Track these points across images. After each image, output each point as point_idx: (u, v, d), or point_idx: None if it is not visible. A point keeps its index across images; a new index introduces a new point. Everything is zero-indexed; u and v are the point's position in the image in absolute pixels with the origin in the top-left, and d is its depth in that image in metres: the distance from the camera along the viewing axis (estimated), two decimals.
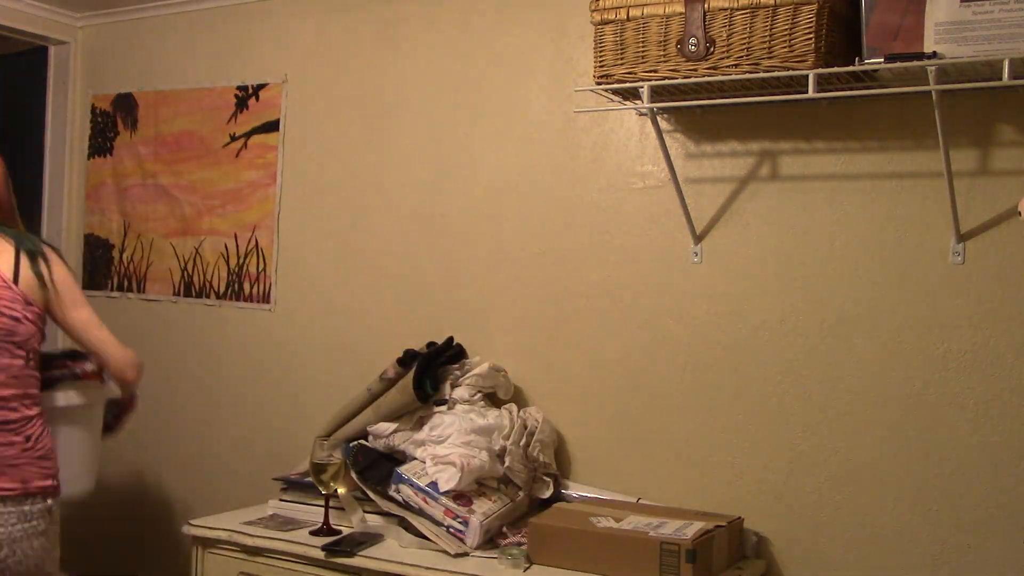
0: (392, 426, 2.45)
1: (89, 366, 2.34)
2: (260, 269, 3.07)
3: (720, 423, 2.33)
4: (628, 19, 2.12)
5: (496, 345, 2.62)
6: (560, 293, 2.55)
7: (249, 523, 2.34)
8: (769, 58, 1.98)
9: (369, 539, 2.22)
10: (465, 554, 2.16)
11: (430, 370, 2.50)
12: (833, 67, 1.95)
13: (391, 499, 2.28)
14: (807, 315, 2.24)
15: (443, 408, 2.46)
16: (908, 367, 2.14)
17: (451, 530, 2.20)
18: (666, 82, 2.09)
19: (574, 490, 2.46)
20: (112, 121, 3.39)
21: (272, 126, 3.05)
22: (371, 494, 2.30)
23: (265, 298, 3.06)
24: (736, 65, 2.01)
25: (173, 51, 3.26)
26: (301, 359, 2.98)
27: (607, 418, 2.47)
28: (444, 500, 2.22)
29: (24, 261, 2.24)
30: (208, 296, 3.17)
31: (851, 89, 2.05)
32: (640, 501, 2.38)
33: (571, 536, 2.07)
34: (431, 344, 2.58)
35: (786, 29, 1.96)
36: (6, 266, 2.22)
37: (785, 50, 1.96)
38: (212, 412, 3.15)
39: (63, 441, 2.27)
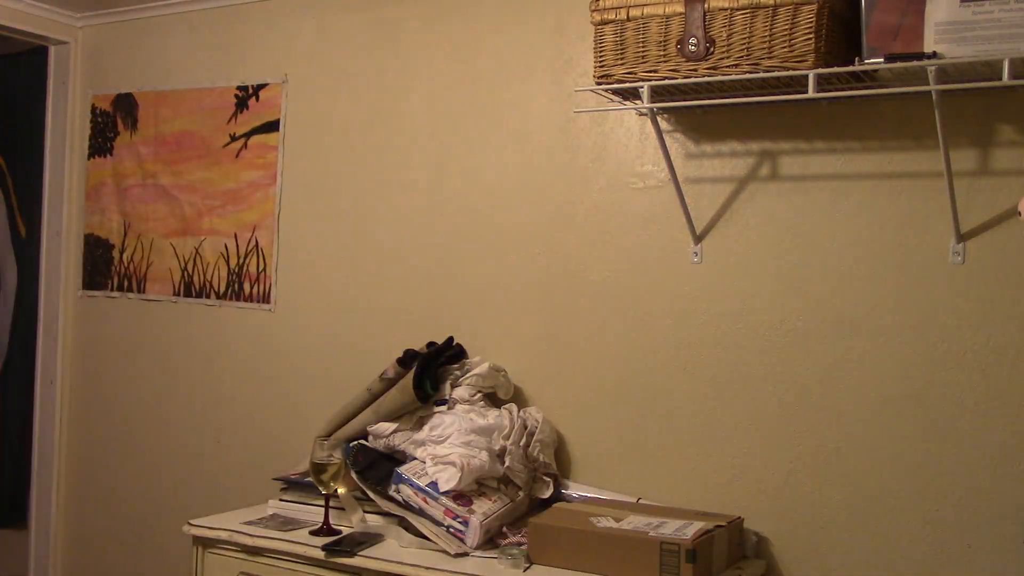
0: (392, 426, 2.45)
1: None
2: (260, 269, 3.07)
3: (720, 423, 2.33)
4: (628, 19, 2.12)
5: (496, 345, 2.62)
6: (560, 293, 2.55)
7: (249, 523, 2.34)
8: (769, 58, 1.98)
9: (369, 539, 2.22)
10: (465, 554, 2.16)
11: (430, 370, 2.50)
12: (833, 67, 1.95)
13: (391, 499, 2.28)
14: (807, 315, 2.24)
15: (443, 408, 2.46)
16: (908, 367, 2.14)
17: (451, 530, 2.20)
18: (666, 82, 2.09)
19: (574, 490, 2.46)
20: (112, 121, 3.39)
21: (272, 126, 3.05)
22: (371, 494, 2.30)
23: (265, 298, 3.06)
24: (736, 65, 2.01)
25: (173, 51, 3.26)
26: (301, 359, 2.98)
27: (607, 418, 2.47)
28: (444, 500, 2.22)
29: None
30: (208, 296, 3.17)
31: (851, 89, 2.05)
32: (640, 501, 2.38)
33: (571, 536, 2.07)
34: (431, 344, 2.58)
35: (786, 29, 1.96)
36: None
37: (785, 50, 1.96)
38: (212, 412, 3.15)
39: None
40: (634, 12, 2.11)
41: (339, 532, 2.27)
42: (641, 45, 2.11)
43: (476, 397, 2.49)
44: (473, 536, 2.18)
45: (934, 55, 1.86)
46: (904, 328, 2.14)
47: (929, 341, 2.12)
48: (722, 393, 2.33)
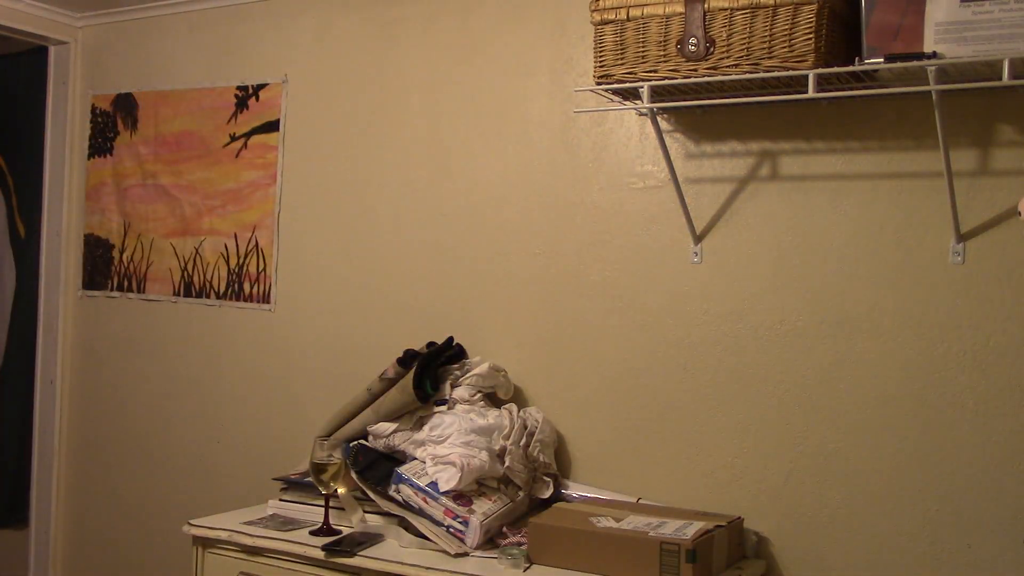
0: (392, 426, 2.45)
1: None
2: (260, 269, 3.07)
3: (720, 423, 2.33)
4: (628, 19, 2.12)
5: (496, 345, 2.62)
6: (560, 293, 2.55)
7: (249, 523, 2.34)
8: (769, 58, 1.98)
9: (369, 539, 2.22)
10: (465, 554, 2.16)
11: (430, 370, 2.50)
12: (833, 67, 1.95)
13: (391, 499, 2.28)
14: (807, 315, 2.24)
15: (443, 408, 2.46)
16: (908, 367, 2.14)
17: (451, 530, 2.20)
18: (666, 82, 2.09)
19: (574, 490, 2.46)
20: (112, 121, 3.39)
21: (272, 126, 3.05)
22: (371, 494, 2.30)
23: (265, 298, 3.06)
24: (736, 65, 2.01)
25: (173, 51, 3.26)
26: (301, 359, 2.98)
27: (607, 418, 2.47)
28: (444, 500, 2.22)
29: None
30: (208, 296, 3.17)
31: (851, 89, 2.05)
32: (640, 501, 2.38)
33: (571, 536, 2.07)
34: (431, 344, 2.58)
35: (786, 29, 1.96)
36: None
37: (785, 50, 1.96)
38: (212, 412, 3.15)
39: None
40: (634, 12, 2.11)
41: (339, 532, 2.27)
42: (641, 45, 2.11)
43: (476, 397, 2.49)
44: (473, 536, 2.18)
45: (934, 55, 1.86)
46: (904, 328, 2.14)
47: (929, 341, 2.12)
48: (722, 393, 2.33)
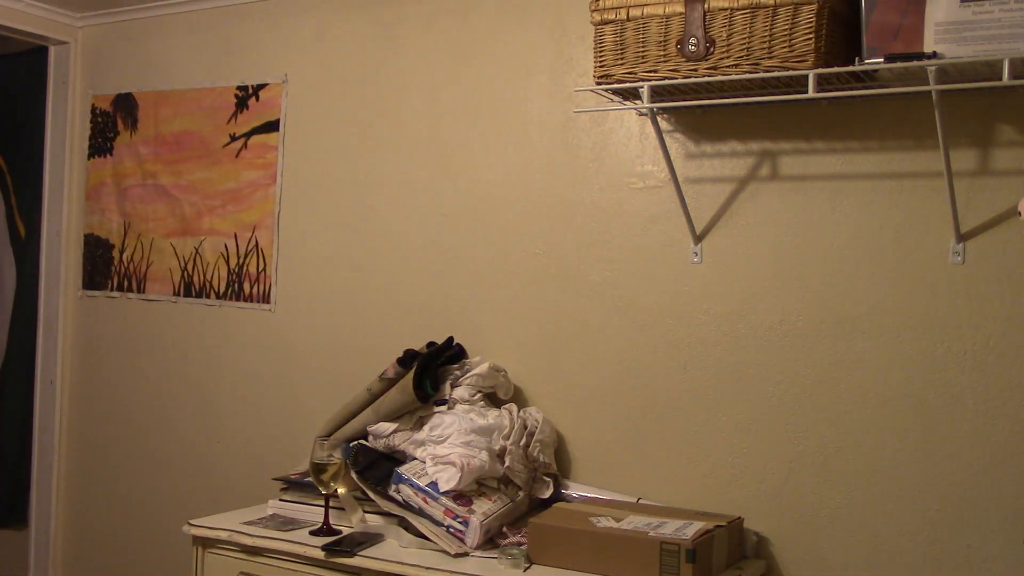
0: (392, 426, 2.45)
1: None
2: (260, 269, 3.07)
3: (720, 423, 2.33)
4: (628, 19, 2.12)
5: (496, 345, 2.62)
6: (560, 293, 2.55)
7: (249, 523, 2.34)
8: (769, 58, 1.98)
9: (369, 539, 2.22)
10: (465, 554, 2.16)
11: (430, 370, 2.50)
12: (833, 67, 1.95)
13: (391, 499, 2.28)
14: (807, 315, 2.24)
15: (443, 408, 2.46)
16: (908, 367, 2.14)
17: (451, 530, 2.20)
18: (666, 82, 2.09)
19: (574, 490, 2.46)
20: (112, 121, 3.39)
21: (272, 126, 3.05)
22: (371, 494, 2.30)
23: (265, 298, 3.06)
24: (736, 65, 2.01)
25: (173, 51, 3.26)
26: (301, 359, 2.98)
27: (607, 418, 2.47)
28: (444, 500, 2.22)
29: None
30: (208, 296, 3.17)
31: (851, 89, 2.05)
32: (640, 501, 2.38)
33: (571, 536, 2.07)
34: (431, 344, 2.58)
35: (786, 29, 1.96)
36: None
37: (785, 50, 1.96)
38: (212, 412, 3.15)
39: None
40: (634, 12, 2.11)
41: (339, 532, 2.27)
42: (641, 45, 2.11)
43: (476, 397, 2.49)
44: (473, 536, 2.18)
45: (934, 55, 1.86)
46: (904, 328, 2.14)
47: (929, 341, 2.12)
48: (722, 393, 2.33)
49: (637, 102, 2.24)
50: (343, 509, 2.33)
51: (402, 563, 2.09)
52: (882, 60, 1.92)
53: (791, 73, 1.96)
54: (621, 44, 2.13)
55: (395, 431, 2.44)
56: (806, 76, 1.94)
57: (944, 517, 2.10)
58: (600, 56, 2.17)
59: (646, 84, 2.11)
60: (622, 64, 2.14)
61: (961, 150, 2.08)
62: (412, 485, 2.26)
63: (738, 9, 2.00)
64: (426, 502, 2.23)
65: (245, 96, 3.10)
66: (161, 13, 3.27)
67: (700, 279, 2.37)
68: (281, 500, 2.47)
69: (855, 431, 2.19)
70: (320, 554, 2.16)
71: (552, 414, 2.52)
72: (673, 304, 2.40)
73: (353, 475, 2.32)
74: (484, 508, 2.24)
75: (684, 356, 2.38)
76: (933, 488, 2.11)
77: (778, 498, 2.26)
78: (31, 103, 3.57)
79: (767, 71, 1.98)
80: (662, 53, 2.09)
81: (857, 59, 1.95)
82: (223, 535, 2.30)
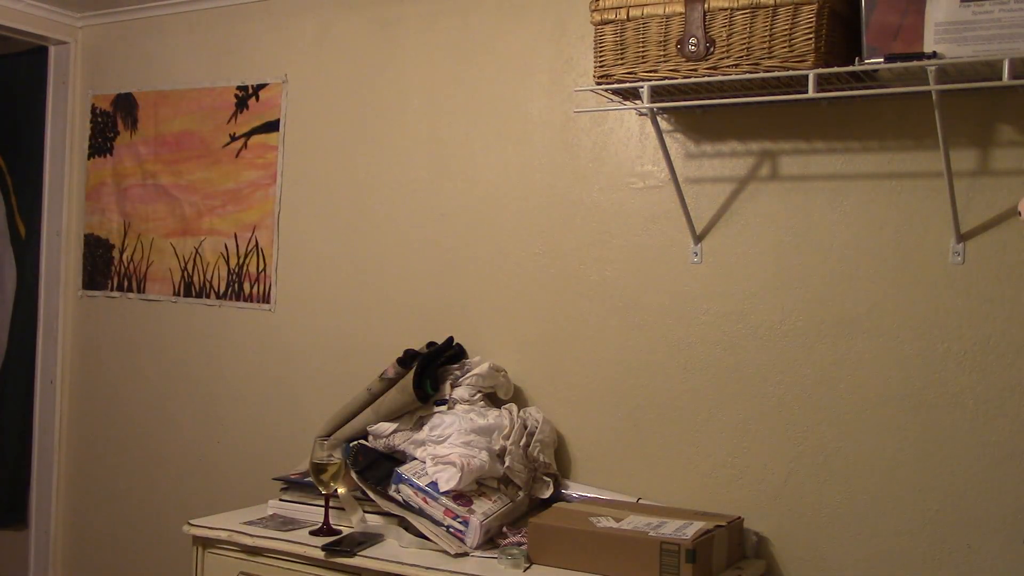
0: (392, 426, 2.45)
1: None
2: (260, 269, 3.07)
3: (720, 423, 2.33)
4: (628, 19, 2.12)
5: (496, 345, 2.62)
6: (560, 293, 2.55)
7: (249, 523, 2.34)
8: (769, 58, 1.98)
9: (369, 539, 2.22)
10: (465, 554, 2.16)
11: (430, 370, 2.50)
12: (833, 67, 1.95)
13: (391, 499, 2.28)
14: (807, 315, 2.24)
15: (443, 408, 2.46)
16: (908, 367, 2.14)
17: (451, 530, 2.20)
18: (666, 82, 2.09)
19: (574, 490, 2.46)
20: (112, 121, 3.39)
21: (272, 126, 3.05)
22: (371, 494, 2.30)
23: (265, 298, 3.06)
24: (736, 65, 2.01)
25: (173, 51, 3.26)
26: (301, 359, 2.98)
27: (607, 418, 2.47)
28: (444, 500, 2.22)
29: None
30: (208, 296, 3.17)
31: (851, 89, 2.05)
32: (640, 501, 2.38)
33: (571, 536, 2.07)
34: (431, 344, 2.58)
35: (786, 29, 1.96)
36: None
37: (785, 50, 1.96)
38: (212, 412, 3.15)
39: None
40: (634, 12, 2.11)
41: (339, 532, 2.27)
42: (641, 45, 2.11)
43: (476, 397, 2.49)
44: (473, 536, 2.18)
45: (934, 55, 1.86)
46: (904, 328, 2.14)
47: (929, 341, 2.12)
48: (722, 393, 2.33)
49: (637, 102, 2.24)
50: (343, 509, 2.33)
51: (402, 563, 2.09)
52: (882, 60, 1.92)
53: (791, 73, 1.96)
54: (621, 44, 2.13)
55: (395, 431, 2.44)
56: (806, 76, 1.94)
57: (944, 517, 2.10)
58: (600, 56, 2.17)
59: (646, 84, 2.11)
60: (622, 64, 2.14)
61: (961, 150, 2.08)
62: (412, 485, 2.26)
63: (738, 9, 2.00)
64: (426, 502, 2.23)
65: (245, 96, 3.10)
66: (161, 13, 3.27)
67: (700, 279, 2.37)
68: (281, 500, 2.47)
69: (855, 431, 2.19)
70: (320, 554, 2.16)
71: (552, 414, 2.52)
72: (673, 304, 2.40)
73: (353, 475, 2.32)
74: (484, 508, 2.24)
75: (684, 356, 2.38)
76: (933, 488, 2.11)
77: (778, 498, 2.26)
78: (31, 103, 3.57)
79: (767, 71, 1.98)
80: (662, 53, 2.09)
81: (857, 59, 1.95)
82: (223, 535, 2.30)
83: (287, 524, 2.35)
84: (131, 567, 3.31)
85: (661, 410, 2.41)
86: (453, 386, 2.50)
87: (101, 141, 3.42)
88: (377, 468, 2.37)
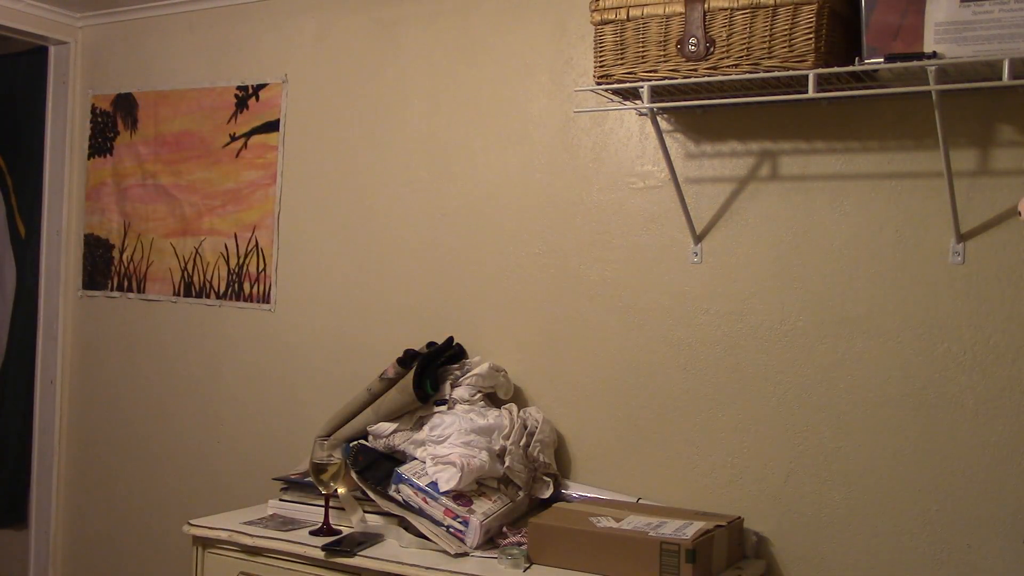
0: (392, 426, 2.45)
1: None
2: (260, 269, 3.07)
3: (720, 423, 2.33)
4: (628, 19, 2.12)
5: (496, 345, 2.62)
6: (560, 293, 2.55)
7: (249, 523, 2.34)
8: (769, 58, 1.98)
9: (369, 539, 2.22)
10: (465, 554, 2.16)
11: (430, 370, 2.50)
12: (833, 67, 1.95)
13: (391, 499, 2.28)
14: (807, 315, 2.24)
15: (443, 408, 2.46)
16: (908, 367, 2.14)
17: (451, 530, 2.20)
18: (666, 82, 2.09)
19: (574, 490, 2.46)
20: (112, 121, 3.39)
21: (272, 126, 3.05)
22: (371, 494, 2.30)
23: (265, 298, 3.06)
24: (736, 65, 2.01)
25: (173, 51, 3.26)
26: (301, 359, 2.98)
27: (607, 418, 2.47)
28: (444, 500, 2.22)
29: None
30: (208, 296, 3.17)
31: (851, 89, 2.05)
32: (640, 501, 2.38)
33: (571, 536, 2.07)
34: (431, 344, 2.58)
35: (786, 29, 1.96)
36: None
37: (785, 50, 1.96)
38: (212, 412, 3.15)
39: None
40: (634, 12, 2.11)
41: (339, 532, 2.27)
42: (641, 45, 2.11)
43: (476, 397, 2.49)
44: (473, 536, 2.18)
45: (934, 55, 1.86)
46: (904, 328, 2.14)
47: (929, 341, 2.12)
48: (722, 393, 2.33)
49: (637, 102, 2.24)
50: (343, 509, 2.33)
51: (402, 563, 2.09)
52: (882, 60, 1.92)
53: (791, 73, 1.96)
54: (621, 44, 2.13)
55: (395, 431, 2.44)
56: (806, 76, 1.94)
57: (944, 517, 2.10)
58: (600, 56, 2.17)
59: (646, 84, 2.11)
60: (622, 64, 2.14)
61: (961, 150, 2.08)
62: (412, 485, 2.26)
63: (738, 9, 2.00)
64: (426, 502, 2.23)
65: (245, 96, 3.10)
66: (161, 13, 3.27)
67: (700, 279, 2.37)
68: (281, 500, 2.47)
69: (855, 431, 2.19)
70: (320, 554, 2.16)
71: (552, 414, 2.52)
72: (673, 304, 2.40)
73: (353, 475, 2.32)
74: (484, 508, 2.24)
75: (684, 356, 2.38)
76: (933, 488, 2.11)
77: (778, 498, 2.26)
78: (31, 103, 3.57)
79: (767, 71, 1.98)
80: (662, 53, 2.09)
81: (857, 59, 1.95)
82: (223, 535, 2.30)
83: (287, 524, 2.35)
84: (131, 567, 3.31)
85: (661, 410, 2.41)
86: (453, 386, 2.50)
87: (101, 141, 3.42)
88: (377, 468, 2.37)
